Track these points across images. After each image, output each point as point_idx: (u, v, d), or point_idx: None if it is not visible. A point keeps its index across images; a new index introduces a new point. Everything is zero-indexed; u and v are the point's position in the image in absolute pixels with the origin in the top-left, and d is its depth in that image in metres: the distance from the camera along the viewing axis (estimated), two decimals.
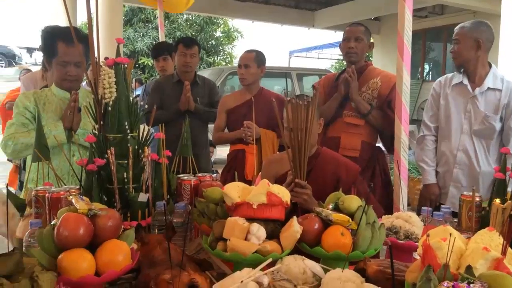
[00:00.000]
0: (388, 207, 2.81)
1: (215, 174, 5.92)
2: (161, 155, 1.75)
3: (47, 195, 1.47)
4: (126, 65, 1.71)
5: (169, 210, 1.67)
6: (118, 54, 1.72)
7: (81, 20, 13.79)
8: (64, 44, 2.14)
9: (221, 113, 3.34)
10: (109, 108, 1.65)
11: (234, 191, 1.44)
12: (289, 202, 1.48)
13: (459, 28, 2.73)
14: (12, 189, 4.01)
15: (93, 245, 1.20)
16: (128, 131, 1.69)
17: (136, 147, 1.71)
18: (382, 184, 2.99)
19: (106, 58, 1.71)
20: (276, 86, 10.16)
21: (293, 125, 1.90)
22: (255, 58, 3.26)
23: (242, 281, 1.09)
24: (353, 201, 1.50)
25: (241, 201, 1.41)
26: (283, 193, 1.45)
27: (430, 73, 13.01)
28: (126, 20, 14.69)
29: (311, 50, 18.42)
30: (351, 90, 2.87)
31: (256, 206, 1.39)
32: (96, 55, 1.72)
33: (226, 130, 3.40)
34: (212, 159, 7.37)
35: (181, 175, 1.82)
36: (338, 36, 15.72)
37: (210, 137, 4.06)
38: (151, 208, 1.68)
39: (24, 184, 2.04)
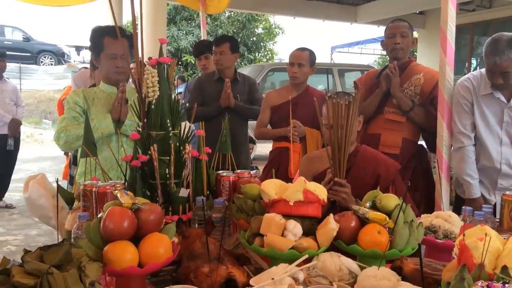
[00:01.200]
0: (430, 206, 2.77)
1: (254, 171, 5.97)
2: (201, 152, 1.80)
3: (94, 189, 1.55)
4: (168, 65, 1.77)
5: (208, 205, 1.71)
6: (161, 54, 1.78)
7: (127, 19, 14.16)
8: (110, 39, 2.28)
9: (266, 109, 3.35)
10: (152, 107, 1.72)
11: (271, 188, 1.47)
12: (326, 200, 1.49)
13: None
14: (64, 182, 4.23)
15: (136, 238, 1.25)
16: (170, 129, 1.75)
17: (178, 144, 1.77)
18: (424, 183, 2.94)
19: (150, 58, 1.77)
20: (320, 86, 10.06)
21: (333, 122, 1.91)
22: (309, 57, 3.26)
23: (272, 279, 1.11)
24: (391, 200, 1.49)
25: (278, 198, 1.44)
26: (320, 191, 1.47)
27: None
28: (170, 19, 14.97)
29: (353, 46, 18.18)
30: (392, 86, 2.84)
31: (293, 203, 1.41)
32: (140, 54, 1.79)
33: (268, 126, 3.42)
34: (252, 156, 7.43)
35: (220, 172, 1.86)
36: (381, 31, 15.38)
37: (250, 133, 4.11)
38: (192, 203, 1.74)
39: (74, 179, 2.15)
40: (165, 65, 1.76)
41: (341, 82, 10.13)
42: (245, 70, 10.18)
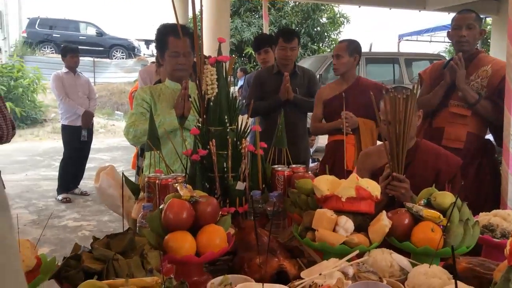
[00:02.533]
0: (497, 202, 2.67)
1: (315, 163, 5.99)
2: (257, 146, 1.86)
3: (157, 181, 1.65)
4: (227, 63, 1.84)
5: (263, 198, 1.77)
6: (219, 52, 1.85)
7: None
8: (173, 38, 2.37)
9: (318, 104, 3.37)
10: (211, 104, 1.79)
11: (324, 183, 1.50)
12: (378, 196, 1.50)
13: None
14: (133, 171, 4.46)
15: (194, 228, 1.34)
16: (228, 124, 1.82)
17: (235, 139, 1.84)
18: (491, 178, 2.83)
19: (209, 57, 1.85)
20: (385, 76, 9.79)
21: (391, 117, 1.90)
22: (347, 47, 3.25)
23: (320, 274, 1.15)
24: (446, 198, 1.48)
25: (330, 193, 1.47)
26: (373, 187, 1.48)
27: None
28: (234, 11, 15.14)
29: (422, 33, 17.50)
30: (457, 78, 2.76)
31: (345, 199, 1.44)
32: (200, 53, 1.87)
33: (323, 121, 3.43)
34: (314, 148, 7.42)
35: (276, 166, 1.92)
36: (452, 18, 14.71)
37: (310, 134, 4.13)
38: (248, 196, 1.80)
39: (140, 170, 2.30)
40: (224, 63, 1.83)
41: (407, 72, 9.83)
42: (308, 61, 10.14)
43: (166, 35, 2.45)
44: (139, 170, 3.07)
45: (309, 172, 1.97)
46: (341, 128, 3.18)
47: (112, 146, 10.00)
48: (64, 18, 19.55)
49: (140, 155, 3.00)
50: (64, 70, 5.81)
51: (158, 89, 2.51)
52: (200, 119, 1.85)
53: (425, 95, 2.96)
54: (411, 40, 17.96)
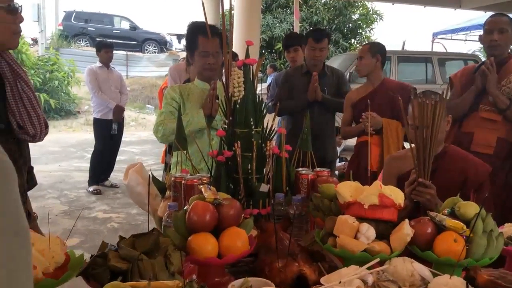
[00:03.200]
0: None
1: (343, 162, 5.96)
2: (282, 149, 1.88)
3: (183, 181, 1.69)
4: (254, 65, 1.86)
5: (286, 201, 1.79)
6: (247, 55, 1.87)
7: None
8: (203, 37, 2.41)
9: (347, 108, 3.40)
10: (237, 106, 1.82)
11: (347, 190, 1.51)
12: (402, 204, 1.50)
13: None
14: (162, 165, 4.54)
15: (217, 230, 1.37)
16: (253, 127, 1.84)
17: (260, 141, 1.86)
18: None
19: (236, 59, 1.88)
20: (418, 75, 9.58)
21: (419, 122, 1.89)
22: (369, 49, 3.28)
23: (340, 282, 1.16)
24: (470, 208, 1.46)
25: (352, 200, 1.48)
26: (396, 195, 1.48)
27: None
28: (266, 7, 15.12)
29: (457, 32, 17.10)
30: (488, 83, 2.71)
31: (367, 206, 1.44)
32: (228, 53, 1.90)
33: (353, 124, 3.44)
34: (342, 147, 7.37)
35: (300, 169, 1.93)
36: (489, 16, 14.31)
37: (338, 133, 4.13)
38: (271, 198, 1.82)
39: (167, 169, 2.35)
40: (251, 66, 1.85)
41: (441, 71, 9.65)
42: (338, 59, 10.06)
43: (195, 35, 2.50)
44: (167, 166, 3.13)
45: (336, 172, 1.98)
46: (364, 129, 3.18)
47: (142, 140, 10.17)
48: (99, 12, 19.95)
49: (168, 151, 3.06)
50: (98, 64, 5.95)
51: (187, 88, 2.55)
52: (226, 121, 1.88)
53: (455, 99, 2.92)
54: (446, 39, 17.56)
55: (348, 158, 7.13)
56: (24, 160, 1.57)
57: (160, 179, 4.59)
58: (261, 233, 1.62)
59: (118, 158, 6.41)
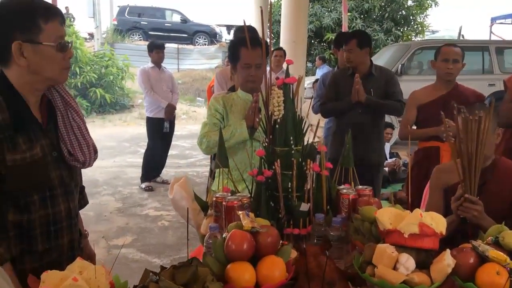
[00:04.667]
0: None
1: (393, 159, 5.80)
2: (322, 167, 1.87)
3: (223, 203, 1.73)
4: (294, 84, 1.86)
5: (327, 221, 1.79)
6: (287, 74, 1.87)
7: None
8: (245, 49, 2.42)
9: (412, 108, 3.27)
10: (277, 126, 1.83)
11: (386, 217, 1.49)
12: (443, 232, 1.46)
13: None
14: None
15: (255, 258, 1.39)
16: (293, 145, 1.85)
17: (300, 160, 1.86)
18: None
19: (277, 78, 1.88)
20: (474, 65, 9.14)
21: (463, 136, 1.83)
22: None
23: None
24: None
25: (393, 228, 1.46)
26: (437, 223, 1.44)
27: None
28: None
29: None
30: None
31: (407, 235, 1.42)
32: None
33: (414, 126, 3.34)
34: (393, 141, 7.20)
35: (341, 188, 1.91)
36: None
37: (388, 119, 4.01)
38: (312, 217, 1.83)
39: (211, 182, 2.41)
40: (291, 85, 1.86)
41: (498, 61, 9.17)
42: (390, 50, 9.78)
43: (237, 46, 2.52)
44: (211, 173, 3.19)
45: (386, 169, 1.94)
46: (440, 135, 3.04)
47: (193, 133, 10.35)
48: (151, 6, 20.39)
49: (213, 158, 3.12)
50: (150, 65, 6.12)
51: (230, 99, 2.59)
52: (267, 140, 1.90)
53: (510, 103, 2.79)
54: (506, 23, 16.66)
55: (400, 152, 6.99)
56: (75, 183, 1.65)
57: (206, 181, 4.70)
58: (300, 256, 1.63)
59: (169, 152, 6.57)
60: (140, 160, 6.80)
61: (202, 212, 2.02)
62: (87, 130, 1.58)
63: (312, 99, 4.30)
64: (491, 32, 15.97)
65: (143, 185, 6.05)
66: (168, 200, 5.37)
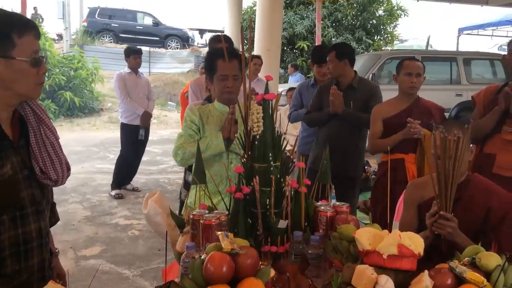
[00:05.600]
0: None
1: (365, 167, 5.79)
2: (301, 183, 1.86)
3: (201, 221, 1.70)
4: (273, 101, 1.85)
5: (305, 238, 1.78)
6: (266, 90, 1.86)
7: (247, 4, 14.46)
8: (222, 61, 2.40)
9: (377, 121, 3.29)
10: (256, 142, 1.82)
11: (365, 237, 1.49)
12: (422, 253, 1.47)
13: None
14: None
15: (234, 280, 1.37)
16: (272, 161, 1.84)
17: (278, 176, 1.85)
18: None
19: (256, 94, 1.87)
20: (443, 75, 9.34)
21: (441, 153, 1.85)
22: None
23: None
24: (492, 259, 1.43)
25: (372, 249, 1.46)
26: (416, 244, 1.45)
27: None
28: (287, 3, 15.00)
29: (484, 28, 16.72)
30: None
31: (386, 256, 1.42)
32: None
33: None
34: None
35: (319, 204, 1.91)
36: None
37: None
38: (290, 234, 1.82)
39: (185, 202, 2.37)
40: (270, 101, 1.85)
41: (466, 71, 9.43)
42: (361, 59, 9.91)
43: (214, 58, 2.49)
44: (186, 184, 3.15)
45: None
46: (409, 135, 3.08)
47: (164, 139, 10.25)
48: (123, 8, 20.12)
49: (188, 169, 3.07)
50: (127, 70, 6.00)
51: (207, 110, 2.56)
52: (245, 156, 1.88)
53: (477, 119, 2.85)
54: (472, 34, 17.18)
55: (369, 162, 7.08)
56: (47, 200, 1.59)
57: (178, 188, 4.61)
58: (278, 275, 1.62)
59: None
60: (109, 166, 6.68)
61: (177, 228, 1.98)
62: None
63: (289, 109, 4.35)
64: (458, 42, 16.42)
65: (113, 193, 5.93)
66: (139, 208, 5.30)
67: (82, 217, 5.10)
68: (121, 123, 6.12)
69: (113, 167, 6.19)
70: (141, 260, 3.98)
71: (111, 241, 4.41)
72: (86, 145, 9.26)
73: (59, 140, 1.54)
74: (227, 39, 3.39)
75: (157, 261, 3.93)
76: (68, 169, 1.56)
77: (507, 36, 18.14)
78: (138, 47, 6.72)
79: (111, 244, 4.34)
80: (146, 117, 5.97)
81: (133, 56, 5.92)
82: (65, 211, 5.16)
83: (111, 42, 18.31)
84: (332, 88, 3.49)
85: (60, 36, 17.73)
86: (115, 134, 10.76)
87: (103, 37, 18.59)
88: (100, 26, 18.71)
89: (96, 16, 18.87)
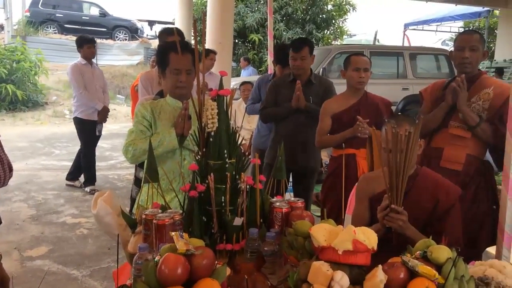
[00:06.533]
0: (493, 225, 2.67)
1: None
2: (256, 180, 1.85)
3: (154, 221, 1.65)
4: (228, 96, 1.82)
5: (261, 235, 1.77)
6: (221, 86, 1.83)
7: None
8: (175, 54, 2.34)
9: (326, 118, 3.33)
10: (211, 139, 1.78)
11: (321, 233, 1.50)
12: (375, 248, 1.50)
13: None
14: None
15: (189, 282, 1.34)
16: (227, 159, 1.81)
17: (234, 173, 1.83)
18: (488, 200, 2.83)
19: (210, 89, 1.83)
20: (390, 69, 9.58)
21: (392, 147, 1.89)
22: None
23: None
24: (442, 253, 1.47)
25: (327, 245, 1.47)
26: (370, 240, 1.48)
27: None
28: None
29: (428, 23, 17.33)
30: (459, 100, 2.73)
31: (341, 252, 1.44)
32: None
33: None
34: None
35: (274, 200, 1.91)
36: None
37: None
38: (245, 231, 1.80)
39: (137, 201, 2.30)
40: (225, 97, 1.82)
41: (412, 65, 9.74)
42: None
43: (167, 52, 2.42)
44: (137, 181, 3.06)
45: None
46: (357, 134, 3.12)
47: (113, 133, 9.97)
48: None
49: (139, 165, 2.99)
50: (82, 61, 5.69)
51: (158, 105, 2.48)
52: (200, 153, 1.84)
53: (425, 114, 2.93)
54: (417, 30, 17.76)
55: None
56: None
57: (129, 185, 4.49)
58: (234, 274, 1.60)
59: None
60: (55, 163, 6.43)
61: (128, 228, 1.92)
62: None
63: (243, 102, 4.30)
64: (404, 37, 16.92)
65: (88, 189, 5.74)
66: (87, 206, 5.14)
67: (27, 216, 4.88)
68: (77, 118, 5.76)
69: (59, 163, 5.96)
70: (90, 259, 3.86)
71: (58, 241, 4.24)
72: (30, 141, 8.86)
73: (0, 139, 1.45)
74: (179, 32, 3.32)
75: (107, 261, 3.82)
76: (10, 169, 1.48)
77: (450, 32, 18.94)
78: (91, 35, 6.42)
79: (59, 243, 4.18)
80: (105, 112, 5.76)
81: (86, 46, 5.63)
82: (8, 211, 4.92)
83: (56, 33, 17.57)
84: (298, 83, 3.50)
85: (1, 27, 16.84)
86: (61, 129, 10.39)
87: (47, 27, 17.80)
88: (43, 16, 17.89)
89: (40, 6, 18.03)
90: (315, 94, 3.66)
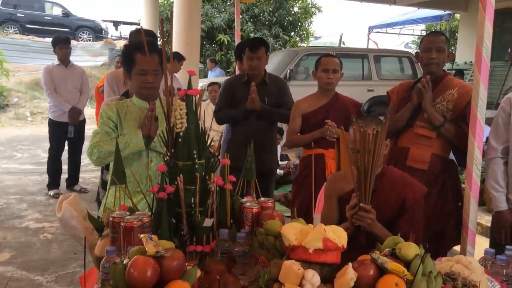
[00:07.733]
0: (458, 222, 2.74)
1: (285, 162, 5.94)
2: (226, 181, 1.84)
3: (122, 223, 1.61)
4: (197, 96, 1.80)
5: (231, 236, 1.75)
6: (189, 86, 1.81)
7: None
8: (141, 55, 2.30)
9: (296, 117, 3.34)
10: (180, 139, 1.76)
11: (292, 232, 1.50)
12: (345, 246, 1.51)
13: None
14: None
15: (159, 284, 1.31)
16: (196, 159, 1.79)
17: (203, 174, 1.81)
18: (453, 198, 2.90)
19: (178, 89, 1.81)
20: (354, 72, 9.73)
21: (360, 147, 1.91)
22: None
23: None
24: (410, 249, 1.49)
25: (297, 244, 1.47)
26: (340, 237, 1.49)
27: None
28: None
29: (392, 26, 17.70)
30: (424, 101, 2.79)
31: (312, 251, 1.44)
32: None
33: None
34: (282, 143, 7.40)
35: (244, 201, 1.90)
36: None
37: (279, 124, 4.09)
38: (216, 232, 1.79)
39: (103, 203, 2.25)
40: (193, 97, 1.79)
41: (376, 68, 9.92)
42: (278, 56, 10.08)
43: (133, 52, 2.38)
44: (103, 183, 3.00)
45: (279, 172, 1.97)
46: (325, 136, 3.16)
47: None
48: None
49: (106, 168, 2.93)
50: (56, 62, 5.62)
51: (124, 106, 2.43)
52: (168, 153, 1.82)
53: (392, 114, 2.99)
54: (381, 32, 18.10)
55: (289, 156, 7.22)
56: None
57: (94, 188, 4.41)
58: (204, 275, 1.58)
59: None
60: (17, 166, 6.22)
61: (95, 231, 1.88)
62: None
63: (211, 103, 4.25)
64: (368, 40, 17.22)
65: (52, 193, 5.60)
66: (51, 210, 5.00)
67: None
68: (49, 119, 5.76)
69: (21, 167, 5.80)
70: (55, 265, 3.75)
71: (21, 246, 4.11)
72: None
73: None
74: (151, 33, 3.26)
75: (73, 265, 3.73)
76: None
77: (412, 35, 19.38)
78: (65, 35, 6.27)
79: (22, 249, 4.04)
80: (75, 113, 5.60)
81: (58, 47, 5.56)
82: None
83: (17, 33, 17.05)
84: (252, 85, 3.48)
85: None
86: (23, 131, 10.09)
87: (8, 27, 17.25)
88: (4, 16, 17.33)
89: (0, 6, 17.49)
90: (270, 95, 3.64)
